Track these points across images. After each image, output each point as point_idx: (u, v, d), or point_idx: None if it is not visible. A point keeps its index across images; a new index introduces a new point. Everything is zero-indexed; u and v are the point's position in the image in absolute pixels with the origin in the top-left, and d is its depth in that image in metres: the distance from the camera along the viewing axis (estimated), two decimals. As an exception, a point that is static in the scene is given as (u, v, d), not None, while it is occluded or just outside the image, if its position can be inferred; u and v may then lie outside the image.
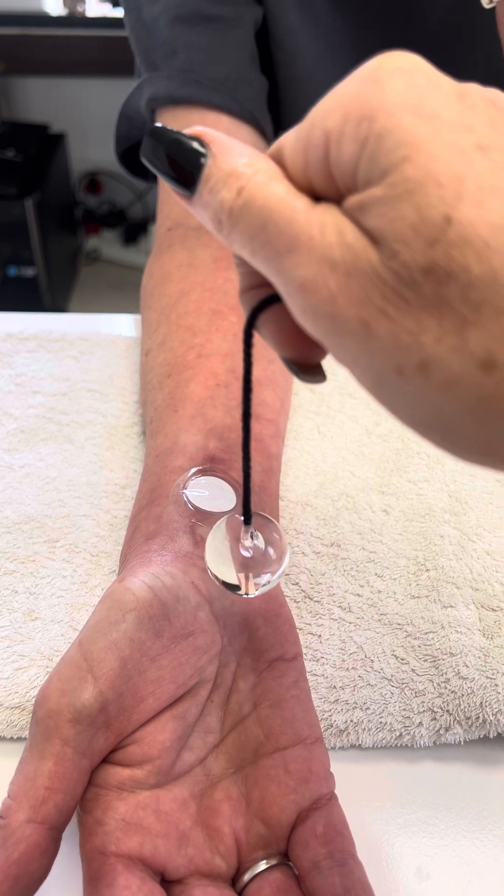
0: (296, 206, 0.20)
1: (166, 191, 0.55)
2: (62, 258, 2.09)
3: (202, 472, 0.39)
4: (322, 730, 0.35)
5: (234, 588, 0.31)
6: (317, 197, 0.20)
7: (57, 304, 2.02)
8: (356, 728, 0.36)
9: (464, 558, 0.43)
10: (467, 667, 0.38)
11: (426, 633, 0.39)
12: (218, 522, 0.31)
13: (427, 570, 0.42)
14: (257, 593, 0.31)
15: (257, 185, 0.20)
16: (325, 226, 0.19)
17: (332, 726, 0.36)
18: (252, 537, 0.31)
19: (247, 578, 0.30)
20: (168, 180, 0.23)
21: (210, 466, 0.39)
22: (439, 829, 0.34)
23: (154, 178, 0.65)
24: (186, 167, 0.22)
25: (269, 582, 0.31)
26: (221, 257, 0.50)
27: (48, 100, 2.11)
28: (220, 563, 0.31)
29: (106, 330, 0.58)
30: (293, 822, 0.31)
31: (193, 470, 0.39)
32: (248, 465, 0.28)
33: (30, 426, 0.50)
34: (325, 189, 0.20)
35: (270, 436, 0.43)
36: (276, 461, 0.43)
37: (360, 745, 0.36)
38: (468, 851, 0.34)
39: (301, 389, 0.53)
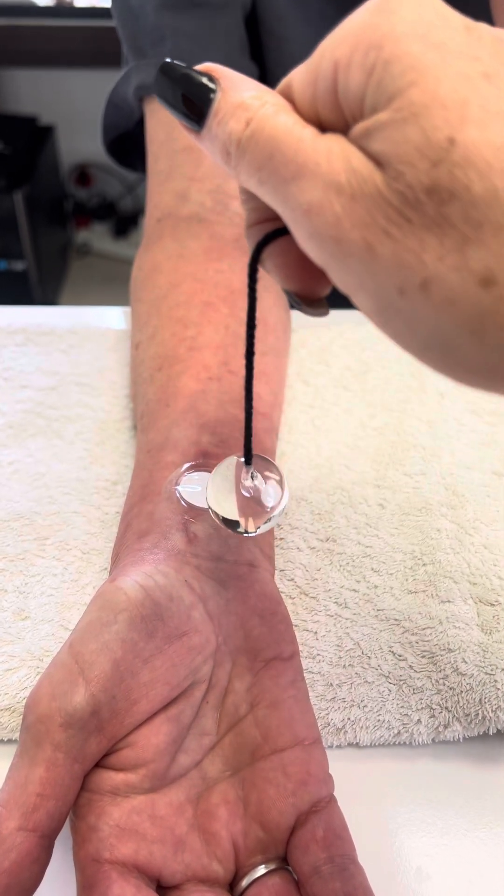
0: (302, 136, 0.20)
1: (156, 181, 0.54)
2: (52, 252, 2.07)
3: (195, 468, 0.38)
4: (319, 728, 0.34)
5: (234, 525, 0.31)
6: (324, 129, 0.21)
7: (48, 297, 2.00)
8: (354, 726, 0.36)
9: (461, 552, 0.42)
10: (466, 663, 0.37)
11: (424, 629, 0.39)
12: (220, 464, 0.32)
13: (424, 565, 0.41)
14: (258, 531, 0.31)
15: (265, 116, 0.21)
16: (332, 153, 0.19)
17: (329, 725, 0.36)
18: (252, 478, 0.31)
19: (246, 517, 0.31)
20: (178, 115, 0.23)
21: (203, 462, 0.38)
22: (439, 828, 0.34)
23: (142, 169, 0.64)
24: (196, 102, 0.22)
25: (269, 520, 0.31)
26: (212, 248, 0.49)
27: (37, 91, 2.09)
28: (221, 501, 0.31)
29: (95, 323, 0.57)
30: (292, 826, 0.30)
31: (186, 465, 0.38)
32: (250, 405, 0.28)
33: (18, 421, 0.49)
34: (332, 120, 0.21)
35: (264, 430, 0.43)
36: (270, 456, 0.42)
37: (357, 743, 0.36)
38: (469, 851, 0.33)
39: (295, 382, 0.52)
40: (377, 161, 0.19)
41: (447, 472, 0.46)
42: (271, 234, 0.23)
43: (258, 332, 0.46)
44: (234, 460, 0.32)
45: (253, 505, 0.31)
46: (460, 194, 0.17)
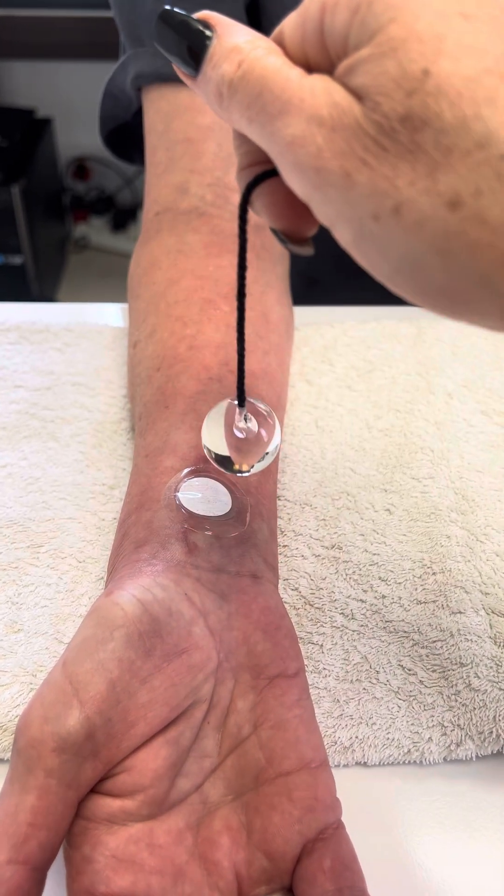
0: (289, 75, 0.21)
1: (154, 173, 0.52)
2: (50, 246, 2.05)
3: (195, 473, 0.36)
4: (325, 747, 0.33)
5: (228, 464, 0.32)
6: (311, 70, 0.22)
7: (45, 292, 1.99)
8: (362, 744, 0.34)
9: (472, 560, 0.40)
10: (479, 677, 0.36)
11: (434, 642, 0.37)
12: (214, 407, 0.32)
13: (434, 574, 0.40)
14: (252, 470, 0.32)
15: (256, 58, 0.22)
16: (315, 89, 0.21)
17: (336, 743, 0.34)
18: (246, 420, 0.31)
19: (240, 456, 0.32)
20: (176, 60, 0.24)
21: (203, 466, 0.37)
22: (451, 851, 0.32)
23: (141, 162, 0.62)
24: (193, 47, 0.24)
25: (263, 459, 0.32)
26: (213, 243, 0.47)
27: (34, 83, 2.06)
28: (216, 441, 0.32)
29: (92, 320, 0.56)
30: (298, 855, 0.28)
31: (186, 471, 0.36)
32: (242, 350, 0.29)
33: (11, 423, 0.47)
34: (319, 61, 0.22)
35: (267, 432, 0.41)
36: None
37: (365, 762, 0.34)
38: (485, 877, 0.32)
39: (297, 382, 0.50)
40: (357, 95, 0.20)
41: (456, 475, 0.45)
42: (261, 176, 0.24)
43: (260, 330, 0.45)
44: (227, 404, 0.32)
45: (246, 445, 0.32)
46: (432, 122, 0.18)
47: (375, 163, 0.19)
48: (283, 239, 0.25)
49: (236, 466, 0.32)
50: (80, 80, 2.01)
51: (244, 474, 0.32)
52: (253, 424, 0.31)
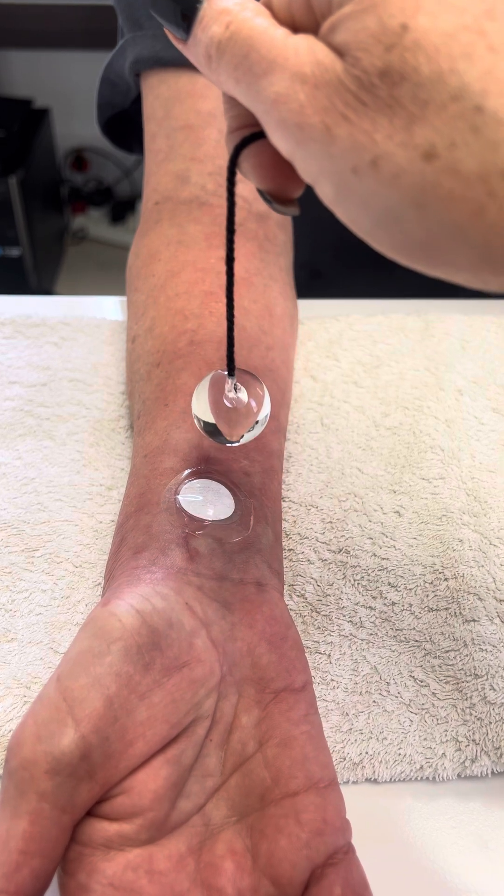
0: (275, 35, 0.22)
1: (153, 161, 0.51)
2: (48, 238, 2.03)
3: (196, 474, 0.35)
4: (334, 764, 0.31)
5: (218, 434, 0.32)
6: (297, 31, 0.22)
7: (43, 284, 1.97)
8: (372, 760, 0.33)
9: (486, 565, 0.39)
10: (494, 690, 0.34)
11: (447, 652, 0.35)
12: (204, 378, 0.33)
13: (446, 580, 0.38)
14: (241, 441, 0.32)
15: (244, 19, 0.23)
16: (299, 48, 0.21)
17: (345, 759, 0.33)
18: (235, 389, 0.31)
19: (230, 426, 0.32)
20: (169, 25, 0.25)
21: (205, 467, 0.35)
22: (466, 873, 0.31)
23: (140, 150, 0.60)
24: (185, 11, 0.24)
25: (252, 429, 0.32)
26: (214, 234, 0.45)
27: (32, 73, 2.04)
28: (206, 412, 0.32)
29: (89, 313, 0.54)
30: (306, 881, 0.27)
31: (187, 472, 0.35)
32: (231, 313, 0.29)
33: (6, 420, 0.45)
34: (305, 21, 0.22)
35: (270, 431, 0.39)
36: (277, 460, 0.39)
37: (376, 779, 0.33)
38: (500, 900, 0.30)
39: (302, 378, 0.49)
40: (339, 52, 0.20)
41: (468, 476, 0.43)
42: (248, 138, 0.25)
43: (264, 325, 0.43)
44: (217, 374, 0.32)
45: (236, 415, 0.32)
46: (410, 76, 0.19)
47: (355, 117, 0.20)
48: (269, 199, 0.26)
49: (226, 436, 0.32)
50: (78, 69, 1.99)
51: (234, 444, 0.32)
52: (243, 394, 0.32)
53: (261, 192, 0.26)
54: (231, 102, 0.25)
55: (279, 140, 0.22)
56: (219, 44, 0.23)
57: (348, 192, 0.21)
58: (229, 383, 0.31)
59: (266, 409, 0.32)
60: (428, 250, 0.20)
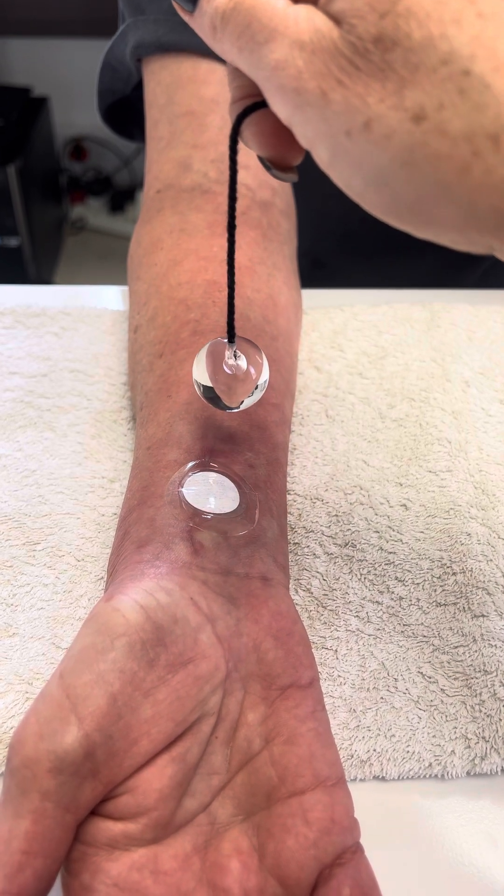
0: (276, 5, 0.22)
1: (155, 149, 0.50)
2: (47, 227, 2.02)
3: (200, 467, 0.34)
4: (342, 761, 0.31)
5: (218, 401, 0.32)
6: (298, 1, 0.23)
7: (42, 275, 1.96)
8: (380, 758, 0.32)
9: (494, 559, 0.38)
10: (504, 686, 0.33)
11: (456, 647, 0.35)
12: (204, 346, 0.33)
13: (454, 574, 0.37)
14: (241, 407, 0.33)
15: None
16: (299, 16, 0.22)
17: (352, 756, 0.32)
18: (235, 356, 0.32)
19: (230, 393, 0.32)
20: None
21: (209, 460, 0.34)
22: (475, 871, 0.30)
23: (141, 138, 0.59)
24: None
25: (252, 394, 0.32)
26: (217, 222, 0.45)
27: (30, 61, 2.02)
28: (206, 378, 0.32)
29: (90, 303, 0.53)
30: (314, 882, 0.26)
31: (190, 464, 0.34)
32: (232, 281, 0.30)
33: (6, 412, 0.45)
34: None
35: (275, 423, 0.38)
36: (282, 452, 0.38)
37: (384, 776, 0.32)
38: (509, 900, 0.30)
39: (306, 369, 0.48)
40: (336, 19, 0.21)
41: (476, 468, 0.42)
42: (251, 107, 0.26)
43: (268, 314, 0.43)
44: (216, 341, 0.33)
45: (235, 381, 0.32)
46: (402, 41, 0.20)
47: (349, 82, 0.20)
48: (269, 166, 0.27)
49: (226, 402, 0.32)
50: (77, 57, 1.97)
51: (234, 409, 0.33)
52: (242, 361, 0.32)
53: (262, 160, 0.27)
54: (235, 73, 0.26)
55: (279, 106, 0.23)
56: (223, 14, 0.23)
57: (342, 154, 0.22)
58: (229, 350, 0.32)
59: (265, 374, 0.33)
60: (416, 209, 0.21)
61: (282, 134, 0.25)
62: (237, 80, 0.26)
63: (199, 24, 0.25)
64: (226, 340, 0.32)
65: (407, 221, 0.22)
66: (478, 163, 0.19)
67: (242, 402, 0.33)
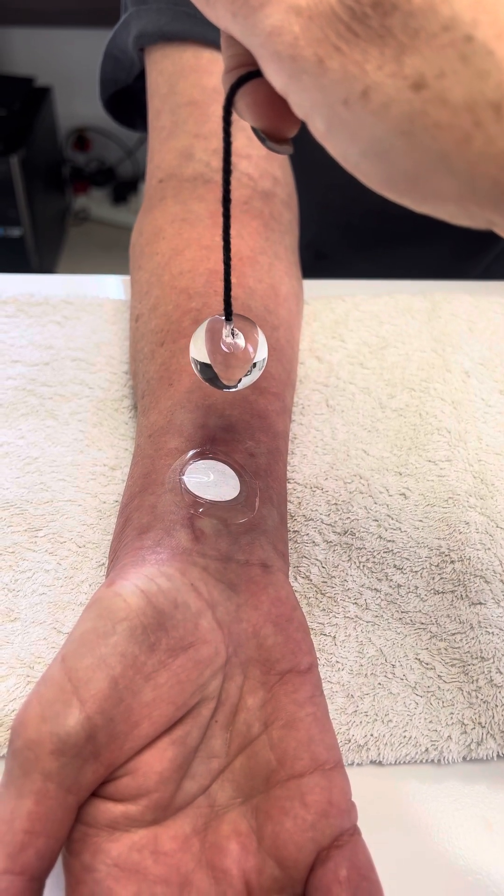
0: None
1: (157, 138, 0.50)
2: (49, 218, 2.02)
3: (201, 455, 0.34)
4: (339, 745, 0.31)
5: (215, 379, 0.32)
6: None
7: (44, 265, 1.96)
8: (377, 743, 0.32)
9: (492, 548, 0.38)
10: (501, 673, 0.34)
11: (453, 634, 0.35)
12: (202, 324, 0.32)
13: (452, 562, 0.38)
14: (239, 386, 0.32)
15: None
16: None
17: (350, 741, 0.32)
18: (233, 335, 0.32)
19: (227, 371, 0.32)
20: None
21: (210, 448, 0.35)
22: (471, 855, 0.31)
23: (143, 128, 0.59)
24: None
25: (249, 373, 0.32)
26: (218, 211, 0.45)
27: (34, 51, 2.02)
28: (203, 354, 0.32)
29: (92, 292, 0.53)
30: (311, 863, 0.27)
31: (192, 452, 0.34)
32: (228, 258, 0.30)
33: (8, 399, 0.45)
34: None
35: (276, 412, 0.39)
36: (282, 441, 0.38)
37: (381, 761, 0.32)
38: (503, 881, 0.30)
39: (307, 359, 0.48)
40: None
41: (475, 458, 0.43)
42: (245, 76, 0.25)
43: (269, 304, 0.43)
44: (214, 319, 0.32)
45: (234, 360, 0.32)
46: (401, 6, 0.19)
47: (347, 48, 0.20)
48: (264, 138, 0.26)
49: (224, 380, 0.32)
50: (80, 47, 1.97)
51: (232, 388, 0.32)
52: (240, 339, 0.32)
53: (255, 132, 0.26)
54: (229, 41, 0.25)
55: (273, 74, 0.22)
56: None
57: (339, 124, 0.21)
58: (227, 328, 0.31)
59: (263, 352, 0.32)
60: (414, 181, 0.20)
61: (277, 104, 0.25)
62: (231, 48, 0.26)
63: None
64: (223, 318, 0.31)
65: (404, 194, 0.21)
66: (479, 133, 0.18)
67: (240, 380, 0.32)
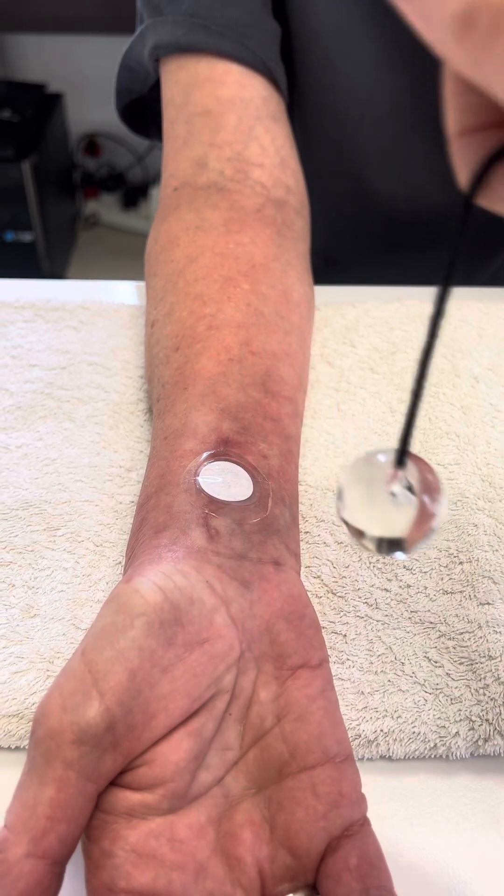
0: None
1: (172, 147, 0.51)
2: (60, 223, 2.04)
3: (215, 457, 0.35)
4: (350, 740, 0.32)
5: (384, 545, 0.24)
6: None
7: (55, 270, 1.97)
8: (387, 738, 0.33)
9: (500, 549, 0.39)
10: (507, 671, 0.34)
11: (461, 634, 0.36)
12: (356, 461, 0.25)
13: (460, 563, 0.39)
14: (413, 550, 0.25)
15: None
16: None
17: (360, 736, 0.33)
18: (404, 482, 0.24)
19: (399, 530, 0.24)
20: None
21: (224, 450, 0.36)
22: (479, 848, 0.31)
23: (157, 136, 0.61)
24: None
25: (426, 536, 0.24)
26: (233, 219, 0.46)
27: (46, 57, 2.04)
28: (361, 513, 0.24)
29: (107, 298, 0.54)
30: (322, 852, 0.28)
31: (206, 454, 0.35)
32: (418, 396, 0.22)
33: (27, 402, 0.46)
34: None
35: (289, 415, 0.40)
36: (294, 444, 0.39)
37: (390, 756, 0.33)
38: (510, 875, 0.31)
39: (318, 364, 0.49)
40: None
41: (483, 461, 0.43)
42: None
43: (282, 310, 0.44)
44: (376, 459, 0.24)
45: (403, 518, 0.24)
46: None
47: None
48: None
49: (401, 550, 0.25)
50: (91, 54, 1.98)
51: (404, 557, 0.26)
52: (410, 489, 0.24)
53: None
54: (463, 86, 0.19)
55: None
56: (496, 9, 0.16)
57: None
58: (398, 475, 0.24)
59: (444, 508, 0.25)
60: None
61: None
62: (467, 95, 0.19)
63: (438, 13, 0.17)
64: (384, 458, 0.24)
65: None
66: None
67: (415, 545, 0.25)
